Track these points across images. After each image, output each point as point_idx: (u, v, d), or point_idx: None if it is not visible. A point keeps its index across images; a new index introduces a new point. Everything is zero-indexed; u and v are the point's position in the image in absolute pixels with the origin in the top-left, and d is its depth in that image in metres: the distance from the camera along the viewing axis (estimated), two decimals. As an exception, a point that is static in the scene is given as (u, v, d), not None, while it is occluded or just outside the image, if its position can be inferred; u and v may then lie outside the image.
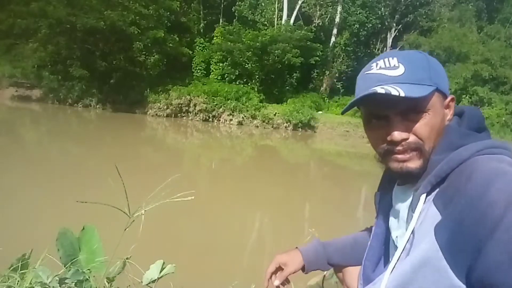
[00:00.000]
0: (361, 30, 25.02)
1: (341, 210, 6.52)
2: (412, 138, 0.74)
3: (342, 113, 0.88)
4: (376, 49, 26.65)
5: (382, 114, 0.76)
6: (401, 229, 0.83)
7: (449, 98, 0.80)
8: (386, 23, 25.96)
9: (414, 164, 0.75)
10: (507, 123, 20.31)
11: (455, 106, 0.83)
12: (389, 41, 26.57)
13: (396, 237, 0.85)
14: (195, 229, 4.73)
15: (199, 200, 6.05)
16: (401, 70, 0.75)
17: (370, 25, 25.01)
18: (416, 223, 0.73)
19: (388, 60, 0.77)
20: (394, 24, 26.00)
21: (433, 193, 0.72)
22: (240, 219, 5.50)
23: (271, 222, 5.63)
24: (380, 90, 0.71)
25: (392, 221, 0.89)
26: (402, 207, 0.83)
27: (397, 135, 0.73)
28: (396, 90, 0.70)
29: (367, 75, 0.79)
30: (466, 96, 21.65)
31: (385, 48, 26.80)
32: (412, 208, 0.76)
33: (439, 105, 0.77)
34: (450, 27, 25.19)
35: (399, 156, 0.75)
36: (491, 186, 0.60)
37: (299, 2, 23.78)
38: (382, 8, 25.29)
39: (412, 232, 0.73)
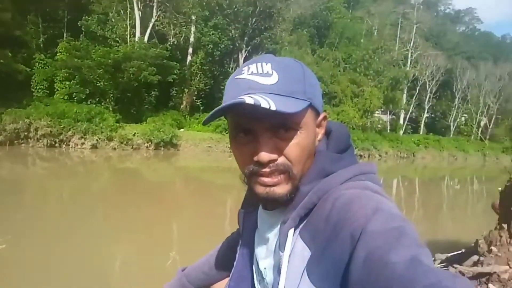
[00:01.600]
0: (215, 50, 26.21)
1: (206, 226, 6.58)
2: (281, 159, 0.65)
3: (204, 123, 0.74)
4: (230, 68, 28.30)
5: (250, 128, 0.66)
6: (269, 259, 0.74)
7: (321, 116, 0.72)
8: (237, 44, 27.84)
9: (281, 189, 0.66)
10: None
11: None
12: (241, 61, 28.50)
13: (264, 268, 0.76)
14: (42, 268, 4.09)
15: (45, 239, 5.29)
16: (274, 78, 0.65)
17: (223, 45, 26.45)
18: (288, 263, 0.65)
19: (261, 65, 0.67)
20: (244, 46, 28.06)
21: (301, 226, 0.66)
22: (96, 252, 5.00)
23: (132, 249, 5.30)
24: (248, 99, 0.60)
25: (259, 249, 0.80)
26: (270, 235, 0.74)
27: (264, 155, 0.63)
28: (266, 102, 0.60)
29: (236, 80, 0.67)
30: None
31: (237, 68, 28.57)
32: (280, 244, 0.67)
33: (312, 124, 0.69)
34: (290, 49, 28.78)
35: (266, 180, 0.65)
36: (351, 207, 0.58)
37: (153, 20, 23.54)
38: (233, 30, 27.07)
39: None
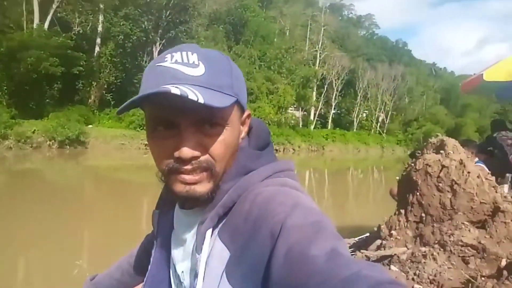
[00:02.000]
0: (126, 41, 24.87)
1: (120, 231, 6.24)
2: (204, 156, 0.62)
3: (119, 113, 0.65)
4: (144, 61, 27.11)
5: (172, 121, 0.61)
6: (186, 262, 0.70)
7: (246, 114, 0.70)
8: (151, 37, 26.76)
9: (203, 188, 0.62)
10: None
11: None
12: (155, 54, 27.48)
13: (182, 272, 0.72)
14: None
15: None
16: (201, 70, 0.61)
17: (135, 37, 25.20)
18: (206, 266, 0.62)
19: (187, 55, 0.62)
20: (158, 38, 27.10)
21: (219, 225, 0.63)
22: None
23: (35, 260, 4.84)
24: (174, 90, 0.55)
25: (175, 251, 0.75)
26: (188, 237, 0.70)
27: (187, 151, 0.59)
28: (194, 94, 0.55)
29: (158, 67, 0.62)
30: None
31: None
32: (197, 245, 0.64)
33: (237, 120, 0.67)
34: (207, 45, 28.56)
35: (187, 177, 0.61)
36: (270, 203, 0.57)
37: (54, 6, 21.32)
38: (146, 22, 25.92)
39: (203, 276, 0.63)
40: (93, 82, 23.41)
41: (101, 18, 23.72)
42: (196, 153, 0.60)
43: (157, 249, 0.80)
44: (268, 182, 0.64)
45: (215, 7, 33.45)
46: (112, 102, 24.02)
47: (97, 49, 23.88)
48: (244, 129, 0.70)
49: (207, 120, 0.61)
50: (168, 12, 26.60)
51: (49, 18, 21.14)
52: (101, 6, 23.63)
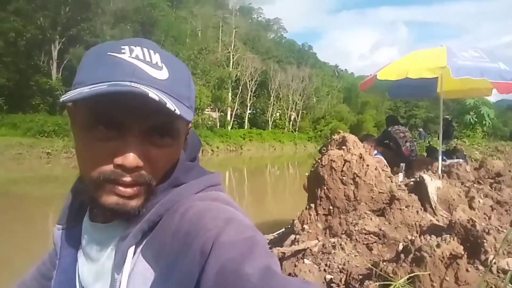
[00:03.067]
0: (19, 39, 22.18)
1: (19, 253, 5.57)
2: (146, 169, 0.56)
3: (65, 101, 0.51)
4: (41, 61, 24.53)
5: (121, 122, 0.54)
6: (100, 283, 0.62)
7: (189, 127, 0.65)
8: (48, 35, 24.31)
9: (136, 202, 0.56)
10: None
11: None
12: (54, 53, 25.13)
13: None
14: None
15: None
16: (164, 74, 0.55)
17: (29, 34, 22.62)
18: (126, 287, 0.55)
19: (148, 52, 0.55)
20: (57, 37, 24.78)
21: (143, 242, 0.57)
22: None
23: None
24: (151, 94, 0.48)
25: (85, 271, 0.66)
26: (102, 255, 0.62)
27: (132, 159, 0.53)
28: (170, 102, 0.50)
29: (112, 58, 0.53)
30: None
31: (51, 61, 25.12)
32: (116, 264, 0.57)
33: (183, 135, 0.62)
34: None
35: (123, 190, 0.55)
36: (202, 218, 0.53)
37: None
38: (41, 18, 23.45)
39: None
40: (-22, 85, 20.47)
41: (-16, 12, 20.81)
42: (141, 163, 0.54)
43: (60, 272, 0.70)
44: (200, 196, 0.60)
45: (121, 5, 31.69)
46: (4, 107, 21.24)
47: (-19, 47, 20.91)
48: (185, 142, 0.65)
49: (159, 130, 0.55)
50: (67, 8, 24.44)
51: None
52: (-15, -2, 20.76)
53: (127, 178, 0.54)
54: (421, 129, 15.23)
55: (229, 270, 0.46)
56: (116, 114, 0.53)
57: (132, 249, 0.56)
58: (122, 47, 0.55)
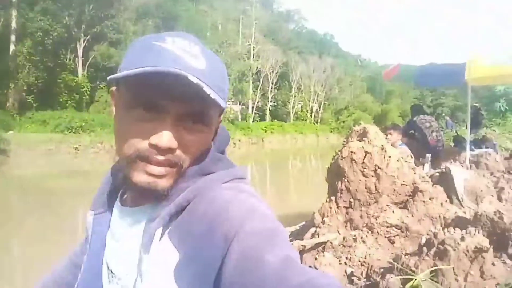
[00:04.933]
0: (46, 38, 22.85)
1: (52, 247, 5.76)
2: (179, 151, 0.59)
3: (111, 80, 0.59)
4: (68, 59, 25.20)
5: (161, 105, 0.57)
6: (126, 264, 0.64)
7: (220, 118, 0.68)
8: (73, 33, 24.92)
9: (165, 183, 0.59)
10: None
11: None
12: (80, 51, 25.73)
13: (119, 278, 0.66)
14: None
15: None
16: (202, 64, 0.58)
17: (56, 33, 23.25)
18: (153, 268, 0.57)
19: (189, 44, 0.59)
20: (82, 35, 25.34)
21: (170, 226, 0.59)
22: None
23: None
24: (191, 77, 0.52)
25: (113, 253, 0.69)
26: (131, 236, 0.64)
27: (166, 140, 0.56)
28: (207, 86, 0.54)
29: (156, 46, 0.57)
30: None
31: (76, 58, 25.79)
32: (144, 245, 0.59)
33: (216, 124, 0.65)
34: (136, 39, 27.32)
35: (155, 169, 0.57)
36: (229, 206, 0.56)
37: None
38: (67, 17, 24.06)
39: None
40: (10, 84, 21.22)
41: (14, 13, 21.48)
42: (174, 144, 0.57)
43: (90, 256, 0.73)
44: (227, 187, 0.62)
45: (143, 1, 32.07)
46: (34, 105, 22.01)
47: (12, 47, 21.63)
48: (214, 133, 0.67)
49: (194, 116, 0.59)
50: (91, 6, 24.91)
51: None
52: (13, 0, 21.42)
53: (160, 157, 0.57)
54: (448, 118, 14.70)
55: (251, 256, 0.49)
56: (156, 97, 0.56)
57: (159, 231, 0.58)
58: (166, 38, 0.59)
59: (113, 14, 26.75)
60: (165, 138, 0.56)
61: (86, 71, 26.41)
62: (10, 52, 21.42)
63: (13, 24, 21.53)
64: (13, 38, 21.60)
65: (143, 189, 0.59)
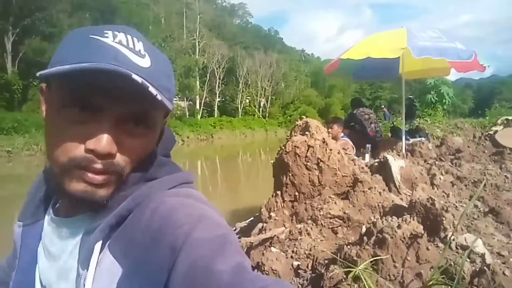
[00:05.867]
0: (-34, 31, 20.74)
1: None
2: (119, 157, 0.53)
3: (41, 75, 0.48)
4: (-7, 55, 23.12)
5: (98, 105, 0.51)
6: (64, 281, 0.59)
7: (165, 120, 0.63)
8: (0, 26, 22.85)
9: (105, 192, 0.54)
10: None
11: None
12: (8, 46, 23.71)
13: None
14: None
15: None
16: (147, 62, 0.52)
17: (-22, 26, 21.19)
18: (94, 284, 0.52)
19: (132, 39, 0.53)
20: (11, 28, 23.35)
21: (111, 238, 0.54)
22: None
23: None
24: (135, 76, 0.46)
25: (46, 268, 0.63)
26: (65, 251, 0.59)
27: (106, 145, 0.50)
28: (153, 88, 0.49)
29: (95, 41, 0.51)
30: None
31: (5, 54, 23.72)
32: (82, 260, 0.54)
33: (160, 126, 0.60)
34: (72, 33, 25.77)
35: (92, 177, 0.52)
36: (174, 214, 0.51)
37: None
38: (-11, 8, 22.00)
39: None
40: None
41: None
42: (114, 149, 0.51)
43: (19, 271, 0.66)
44: (172, 192, 0.58)
45: (78, -8, 30.20)
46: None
47: None
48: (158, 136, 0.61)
49: (136, 118, 0.53)
50: (18, -3, 23.04)
51: None
52: None
53: (98, 165, 0.51)
54: (385, 110, 15.58)
55: (200, 266, 0.45)
56: (94, 96, 0.50)
57: (99, 244, 0.53)
58: (105, 31, 0.52)
59: (44, 6, 24.90)
60: (103, 142, 0.50)
61: (16, 67, 24.40)
62: None
63: None
64: None
65: (79, 199, 0.52)
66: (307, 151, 2.44)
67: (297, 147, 2.47)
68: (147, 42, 0.56)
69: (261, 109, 48.99)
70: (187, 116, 37.34)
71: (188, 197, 0.58)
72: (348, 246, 1.84)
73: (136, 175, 0.58)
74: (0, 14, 22.76)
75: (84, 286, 0.52)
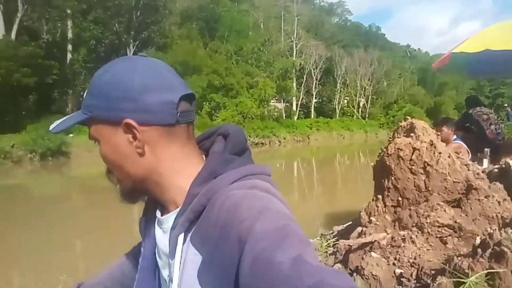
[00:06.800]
0: (99, 46, 24.36)
1: (109, 240, 6.12)
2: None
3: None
4: (119, 65, 26.65)
5: None
6: (166, 269, 0.71)
7: (123, 123, 0.64)
8: (123, 39, 26.28)
9: (123, 186, 0.74)
10: (240, 122, 25.05)
11: (221, 126, 0.74)
12: (130, 56, 27.05)
13: (165, 279, 0.72)
14: None
15: None
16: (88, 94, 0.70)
17: (107, 41, 24.71)
18: (180, 272, 0.61)
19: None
20: (131, 40, 26.66)
21: (192, 230, 0.62)
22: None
23: (17, 276, 4.72)
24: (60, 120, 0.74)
25: (159, 258, 0.75)
26: (166, 243, 0.68)
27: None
28: (58, 121, 0.73)
29: None
30: (206, 103, 25.48)
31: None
32: (170, 251, 0.65)
33: (109, 133, 0.66)
34: (181, 43, 28.25)
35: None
36: (238, 208, 0.57)
37: (19, 15, 20.67)
38: (116, 24, 25.43)
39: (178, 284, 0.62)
40: (68, 90, 22.91)
41: (69, 23, 23.12)
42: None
43: (144, 258, 0.79)
44: (237, 185, 0.63)
45: (186, 5, 33.02)
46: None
47: (69, 56, 23.32)
48: (136, 135, 0.64)
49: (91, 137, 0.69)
50: (138, 13, 26.16)
51: (15, 27, 20.49)
52: (68, 11, 23.01)
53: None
54: (509, 109, 13.58)
55: (262, 259, 0.49)
56: None
57: (181, 236, 0.62)
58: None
59: (158, 20, 27.83)
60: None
61: (136, 76, 27.75)
62: (68, 61, 23.04)
63: (69, 34, 23.15)
64: (69, 47, 23.25)
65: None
66: (412, 154, 2.31)
67: (401, 150, 2.35)
68: (106, 69, 0.70)
69: (360, 110, 47.00)
70: (284, 118, 37.82)
71: (253, 187, 0.62)
72: (459, 258, 1.70)
73: (203, 174, 0.65)
74: (124, 29, 26.21)
75: (173, 273, 0.62)
